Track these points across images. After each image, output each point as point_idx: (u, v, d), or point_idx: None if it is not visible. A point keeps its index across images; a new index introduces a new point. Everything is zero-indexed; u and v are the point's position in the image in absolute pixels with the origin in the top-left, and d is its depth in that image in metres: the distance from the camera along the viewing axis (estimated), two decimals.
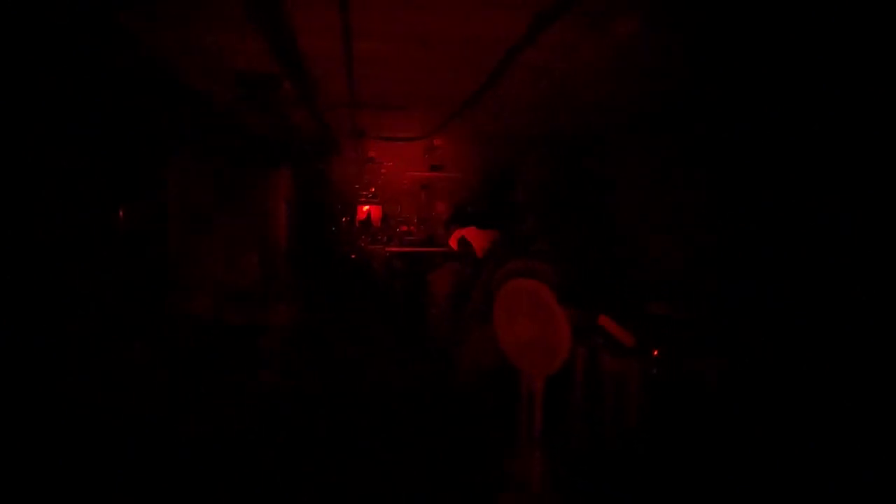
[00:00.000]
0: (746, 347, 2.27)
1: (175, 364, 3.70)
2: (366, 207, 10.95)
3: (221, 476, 2.85)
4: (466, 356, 3.67)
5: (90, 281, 3.51)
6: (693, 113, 3.35)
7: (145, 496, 2.60)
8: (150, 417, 3.02)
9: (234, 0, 1.94)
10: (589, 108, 3.77)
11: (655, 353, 2.35)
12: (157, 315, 3.63)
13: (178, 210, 4.59)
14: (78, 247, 3.43)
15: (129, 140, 3.74)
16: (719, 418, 2.20)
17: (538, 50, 2.47)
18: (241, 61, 2.81)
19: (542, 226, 5.71)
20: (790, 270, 2.41)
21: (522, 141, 5.34)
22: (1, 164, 2.45)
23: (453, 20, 2.22)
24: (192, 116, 4.22)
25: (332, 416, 3.77)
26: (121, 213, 3.98)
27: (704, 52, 2.48)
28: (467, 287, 3.78)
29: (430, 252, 7.55)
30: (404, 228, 9.65)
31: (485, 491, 2.75)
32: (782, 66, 2.40)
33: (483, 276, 3.62)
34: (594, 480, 2.66)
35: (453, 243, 4.24)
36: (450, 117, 4.15)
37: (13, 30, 2.18)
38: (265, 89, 3.09)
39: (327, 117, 4.21)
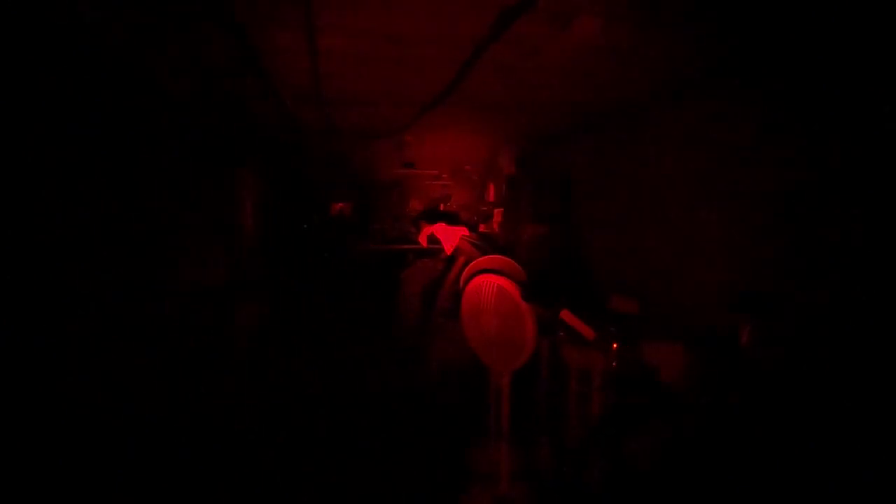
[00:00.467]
0: (701, 341, 2.34)
1: (147, 366, 3.61)
2: (339, 205, 10.86)
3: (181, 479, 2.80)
4: (435, 353, 3.68)
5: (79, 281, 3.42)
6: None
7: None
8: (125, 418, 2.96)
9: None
10: (549, 107, 3.83)
11: (615, 346, 2.40)
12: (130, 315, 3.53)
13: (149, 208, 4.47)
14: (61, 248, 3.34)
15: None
16: (678, 409, 2.26)
17: (505, 46, 2.50)
18: (206, 57, 2.76)
19: (508, 223, 5.77)
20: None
21: (494, 138, 5.37)
22: None
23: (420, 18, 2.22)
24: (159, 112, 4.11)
25: (297, 417, 3.74)
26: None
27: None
28: (437, 284, 3.79)
29: (404, 250, 7.56)
30: (377, 226, 9.62)
31: (451, 486, 2.77)
32: None
33: (451, 273, 3.64)
34: (560, 474, 2.71)
35: (423, 240, 4.24)
36: (419, 114, 4.15)
37: None
38: (228, 83, 3.03)
39: (298, 113, 4.16)
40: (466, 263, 3.34)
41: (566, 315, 2.50)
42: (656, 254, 3.26)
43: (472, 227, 4.30)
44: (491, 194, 7.05)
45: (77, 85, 2.72)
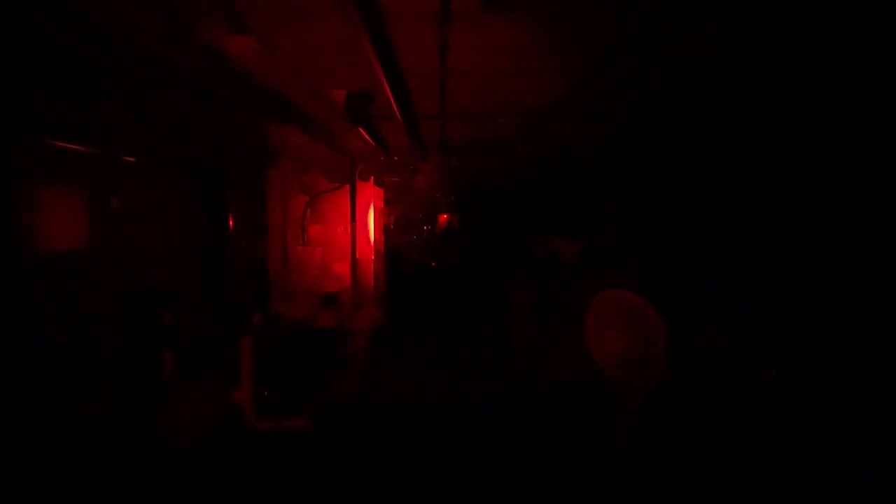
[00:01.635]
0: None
1: (272, 364, 3.98)
2: (446, 216, 11.16)
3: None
4: (552, 369, 3.61)
5: (199, 284, 3.89)
6: None
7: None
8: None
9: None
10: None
11: (773, 374, 2.16)
12: (260, 318, 3.92)
13: (277, 220, 4.95)
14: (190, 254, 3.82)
15: (232, 153, 4.11)
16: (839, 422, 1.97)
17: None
18: (343, 80, 2.99)
19: (625, 235, 5.50)
20: None
21: (599, 148, 5.19)
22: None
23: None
24: (291, 132, 4.54)
25: (410, 426, 3.85)
26: (231, 223, 4.37)
27: None
28: (553, 297, 3.72)
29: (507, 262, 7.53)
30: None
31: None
32: None
33: (570, 286, 3.55)
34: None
35: (538, 251, 4.19)
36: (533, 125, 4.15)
37: None
38: (363, 105, 3.26)
39: (420, 129, 4.36)
40: (588, 275, 3.26)
41: (711, 336, 2.32)
42: None
43: (590, 238, 4.18)
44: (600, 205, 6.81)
45: None
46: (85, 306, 2.73)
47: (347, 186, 5.66)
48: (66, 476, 2.45)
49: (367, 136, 3.92)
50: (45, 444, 2.39)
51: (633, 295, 2.24)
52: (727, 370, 2.26)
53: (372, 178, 5.94)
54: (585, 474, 3.02)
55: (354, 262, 5.62)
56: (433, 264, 9.97)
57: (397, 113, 3.38)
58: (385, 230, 7.37)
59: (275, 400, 3.77)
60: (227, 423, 3.38)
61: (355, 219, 5.76)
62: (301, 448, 3.36)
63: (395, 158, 5.73)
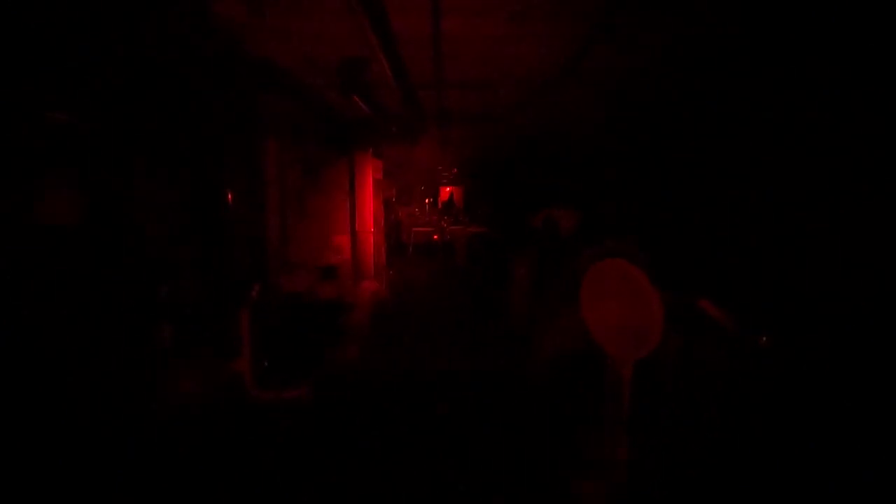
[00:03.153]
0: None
1: (272, 335, 4.00)
2: (448, 189, 11.09)
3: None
4: (549, 339, 3.61)
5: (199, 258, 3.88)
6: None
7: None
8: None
9: None
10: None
11: (763, 340, 2.15)
12: (259, 290, 3.93)
13: (275, 192, 4.91)
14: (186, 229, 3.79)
15: (229, 124, 4.04)
16: (840, 415, 1.98)
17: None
18: (335, 46, 2.91)
19: (627, 206, 5.45)
20: None
21: (601, 119, 5.08)
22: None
23: None
24: (285, 101, 4.46)
25: (408, 396, 3.89)
26: (229, 196, 4.34)
27: None
28: (552, 269, 3.70)
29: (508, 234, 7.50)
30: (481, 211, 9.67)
31: (563, 475, 2.73)
32: None
33: (569, 257, 3.53)
34: (682, 475, 2.52)
35: (538, 223, 4.16)
36: (533, 93, 4.05)
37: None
38: (358, 72, 3.18)
39: (418, 97, 4.27)
40: (585, 246, 3.23)
41: (705, 304, 2.30)
42: None
43: (589, 210, 4.14)
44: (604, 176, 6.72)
45: None
46: (83, 281, 2.74)
47: (346, 158, 5.61)
48: (71, 442, 2.50)
49: (362, 104, 3.85)
50: (50, 413, 2.43)
51: (630, 264, 2.22)
52: (722, 337, 2.25)
53: (371, 149, 5.87)
54: (582, 442, 3.06)
55: (354, 235, 5.61)
56: (435, 237, 9.96)
57: (392, 80, 3.30)
58: (386, 203, 7.34)
59: (275, 371, 3.81)
60: (228, 394, 3.42)
61: (354, 191, 5.72)
62: (301, 416, 3.41)
63: (394, 129, 5.65)
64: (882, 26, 1.97)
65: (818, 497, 1.97)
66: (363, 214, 5.73)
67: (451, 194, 10.95)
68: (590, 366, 3.21)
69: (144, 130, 3.24)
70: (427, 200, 10.56)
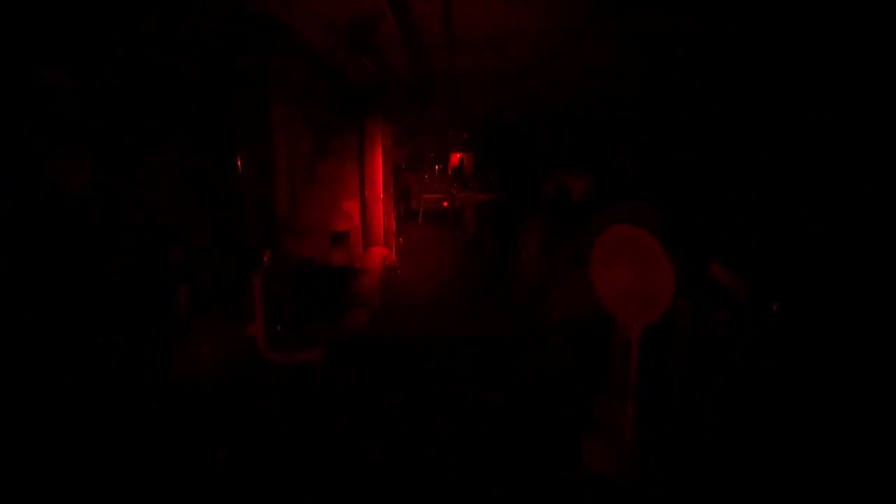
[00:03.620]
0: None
1: (284, 300, 4.05)
2: (458, 155, 10.95)
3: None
4: (558, 304, 3.62)
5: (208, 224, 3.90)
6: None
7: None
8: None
9: None
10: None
11: (776, 307, 2.13)
12: (270, 256, 3.96)
13: (284, 158, 4.88)
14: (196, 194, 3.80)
15: (237, 88, 3.99)
16: (858, 388, 1.96)
17: None
18: (344, 2, 2.82)
19: (640, 171, 5.35)
20: None
21: (613, 82, 4.93)
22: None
23: None
24: (294, 64, 4.38)
25: (418, 358, 3.95)
26: (238, 162, 4.32)
27: None
28: (561, 234, 3.68)
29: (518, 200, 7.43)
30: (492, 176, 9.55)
31: (571, 436, 2.77)
32: None
33: (580, 222, 3.50)
34: (690, 440, 2.56)
35: (550, 188, 4.09)
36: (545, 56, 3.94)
37: None
38: (367, 32, 3.10)
39: (427, 59, 4.17)
40: (597, 211, 3.20)
41: (717, 269, 2.27)
42: None
43: (602, 175, 4.07)
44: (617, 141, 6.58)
45: None
46: (99, 245, 2.78)
47: (355, 124, 5.53)
48: (89, 402, 2.58)
49: (371, 65, 3.76)
50: (71, 371, 2.51)
51: (642, 230, 2.19)
52: (733, 304, 2.23)
53: (380, 115, 5.79)
54: (591, 405, 3.10)
55: (363, 201, 5.59)
56: (444, 204, 9.91)
57: (401, 39, 3.21)
58: (396, 169, 7.28)
59: (287, 334, 3.88)
60: (242, 356, 3.49)
61: (364, 157, 5.67)
62: (313, 378, 3.49)
63: (404, 94, 5.55)
64: None
65: (828, 463, 1.99)
66: (373, 180, 5.70)
67: (462, 160, 10.81)
68: (598, 331, 3.22)
69: (152, 95, 3.21)
70: (437, 167, 10.45)
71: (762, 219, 2.76)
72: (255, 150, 4.58)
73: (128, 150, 3.05)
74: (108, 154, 2.88)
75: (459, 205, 9.16)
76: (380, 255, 5.62)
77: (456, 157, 10.92)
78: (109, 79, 2.82)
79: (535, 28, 3.31)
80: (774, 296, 2.12)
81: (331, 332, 4.33)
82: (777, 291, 2.15)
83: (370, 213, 5.68)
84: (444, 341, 4.24)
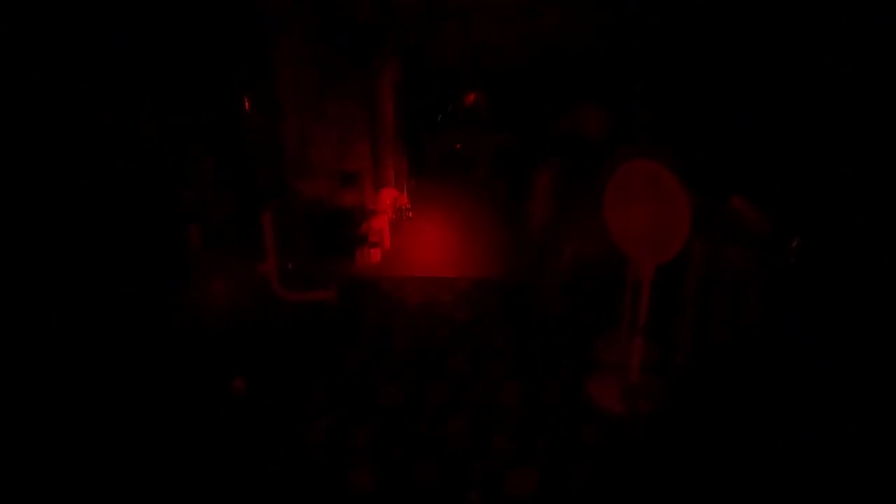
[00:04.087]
0: None
1: (297, 239, 4.07)
2: (472, 95, 10.59)
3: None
4: (569, 245, 3.58)
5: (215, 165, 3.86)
6: None
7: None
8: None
9: None
10: None
11: (796, 243, 2.06)
12: (280, 195, 3.94)
13: (291, 95, 4.75)
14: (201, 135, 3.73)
15: (240, 21, 3.82)
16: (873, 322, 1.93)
17: None
18: None
19: (657, 107, 5.13)
20: None
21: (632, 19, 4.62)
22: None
23: None
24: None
25: (428, 296, 3.98)
26: (245, 102, 4.21)
27: None
28: (576, 175, 3.58)
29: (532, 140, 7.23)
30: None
31: (578, 373, 2.81)
32: None
33: (595, 162, 3.39)
34: (699, 378, 2.57)
35: (565, 125, 3.92)
36: None
37: None
38: None
39: None
40: (612, 148, 3.10)
41: (737, 203, 2.19)
42: None
43: (617, 112, 3.89)
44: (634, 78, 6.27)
45: None
46: (110, 185, 2.76)
47: (364, 60, 5.32)
48: (105, 336, 2.64)
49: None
50: (90, 309, 2.56)
51: (659, 165, 2.11)
52: (751, 238, 2.17)
53: (391, 51, 5.56)
54: (597, 343, 3.13)
55: (374, 141, 5.47)
56: (457, 146, 9.69)
57: None
58: (406, 109, 7.08)
59: (299, 273, 3.92)
60: (255, 294, 3.55)
61: (374, 96, 5.50)
62: (326, 316, 3.56)
63: (415, 26, 5.29)
64: None
65: (840, 400, 1.99)
66: (383, 120, 5.55)
67: (476, 100, 10.47)
68: (608, 271, 3.20)
69: (153, 34, 3.09)
70: (449, 107, 10.15)
71: (780, 156, 2.64)
72: (261, 86, 4.45)
73: (129, 92, 2.98)
74: (109, 95, 2.81)
75: (473, 146, 8.97)
76: (391, 196, 5.57)
77: (470, 98, 10.57)
78: (113, 22, 2.72)
79: None
80: (794, 232, 2.05)
81: (343, 271, 4.38)
82: (795, 228, 2.08)
83: (381, 153, 5.58)
84: (453, 281, 4.26)
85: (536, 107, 7.92)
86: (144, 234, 3.05)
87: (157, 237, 3.18)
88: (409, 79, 7.16)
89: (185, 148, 3.54)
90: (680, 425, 2.33)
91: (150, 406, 2.45)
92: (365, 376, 2.81)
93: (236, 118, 4.17)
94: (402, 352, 3.11)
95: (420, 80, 8.51)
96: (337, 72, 4.86)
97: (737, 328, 2.38)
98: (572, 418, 2.43)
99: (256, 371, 2.80)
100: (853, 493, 1.81)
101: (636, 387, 2.51)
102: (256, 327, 3.30)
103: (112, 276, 2.75)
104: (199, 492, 2.00)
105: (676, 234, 2.10)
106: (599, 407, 2.51)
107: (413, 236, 5.59)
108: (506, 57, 8.10)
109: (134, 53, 2.93)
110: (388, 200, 5.48)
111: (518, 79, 8.89)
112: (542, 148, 5.79)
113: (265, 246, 3.57)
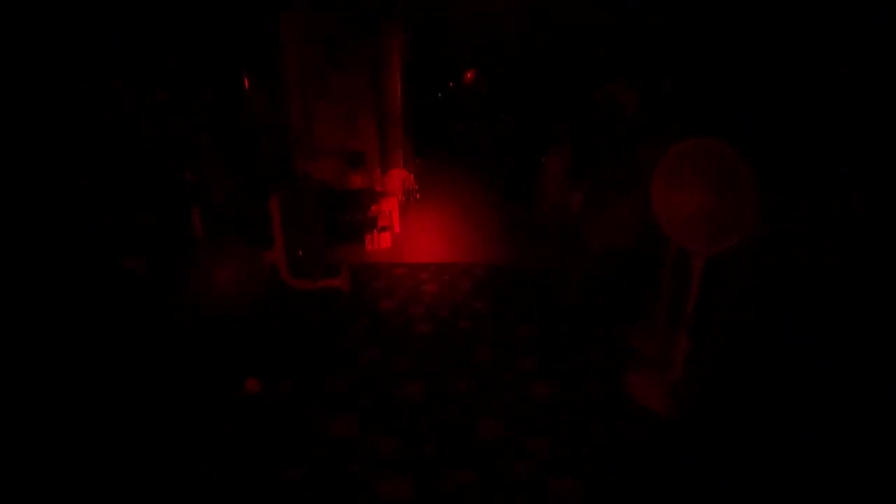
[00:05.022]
0: None
1: (304, 225, 3.85)
2: (473, 71, 10.24)
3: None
4: (597, 233, 3.39)
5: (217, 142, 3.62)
6: None
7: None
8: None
9: None
10: None
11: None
12: (286, 177, 3.71)
13: (295, 71, 4.47)
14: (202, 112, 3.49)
15: None
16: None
17: None
18: None
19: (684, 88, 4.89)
20: None
21: None
22: None
23: None
24: None
25: (443, 286, 3.79)
26: (245, 80, 3.93)
27: None
28: (604, 155, 3.37)
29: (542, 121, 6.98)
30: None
31: (611, 368, 2.65)
32: None
33: (628, 144, 3.18)
34: (750, 380, 2.39)
35: (600, 100, 3.64)
36: None
37: None
38: None
39: None
40: (655, 126, 2.88)
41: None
42: None
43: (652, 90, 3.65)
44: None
45: None
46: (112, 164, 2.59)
47: (371, 34, 5.02)
48: (110, 335, 2.47)
49: None
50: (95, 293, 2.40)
51: (721, 143, 1.90)
52: (814, 240, 1.98)
53: (398, 23, 5.26)
54: (632, 337, 2.97)
55: (381, 119, 5.21)
56: (458, 126, 9.43)
57: None
58: (410, 86, 6.79)
59: (309, 260, 3.71)
60: (263, 282, 3.35)
61: (381, 70, 5.20)
62: (337, 304, 3.36)
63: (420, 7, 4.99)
64: None
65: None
66: (390, 97, 5.28)
67: (477, 78, 10.14)
68: (641, 261, 3.01)
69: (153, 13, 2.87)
70: (450, 84, 9.84)
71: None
72: (263, 63, 4.18)
73: (126, 72, 2.78)
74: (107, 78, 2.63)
75: (476, 127, 8.70)
76: (399, 177, 5.33)
77: (470, 74, 10.23)
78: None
79: None
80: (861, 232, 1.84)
81: (353, 257, 4.16)
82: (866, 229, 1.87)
83: (388, 132, 5.32)
84: (466, 267, 4.07)
85: (542, 90, 7.65)
86: (145, 226, 2.89)
87: (158, 230, 3.01)
88: (414, 54, 6.86)
89: (186, 129, 3.33)
90: (722, 426, 2.17)
91: (152, 404, 2.27)
92: (383, 370, 2.63)
93: (237, 97, 3.92)
94: (419, 341, 2.92)
95: (424, 55, 8.18)
96: (343, 44, 4.57)
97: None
98: (614, 420, 2.26)
99: (266, 366, 2.61)
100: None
101: (682, 384, 2.34)
102: (265, 319, 3.10)
103: (112, 275, 2.60)
104: (199, 492, 1.83)
105: (737, 221, 1.90)
106: (641, 406, 2.35)
107: (421, 219, 5.38)
108: (511, 35, 7.79)
109: (134, 38, 2.74)
110: (397, 182, 5.25)
111: (524, 59, 8.57)
112: (549, 132, 5.55)
113: (272, 232, 3.35)
